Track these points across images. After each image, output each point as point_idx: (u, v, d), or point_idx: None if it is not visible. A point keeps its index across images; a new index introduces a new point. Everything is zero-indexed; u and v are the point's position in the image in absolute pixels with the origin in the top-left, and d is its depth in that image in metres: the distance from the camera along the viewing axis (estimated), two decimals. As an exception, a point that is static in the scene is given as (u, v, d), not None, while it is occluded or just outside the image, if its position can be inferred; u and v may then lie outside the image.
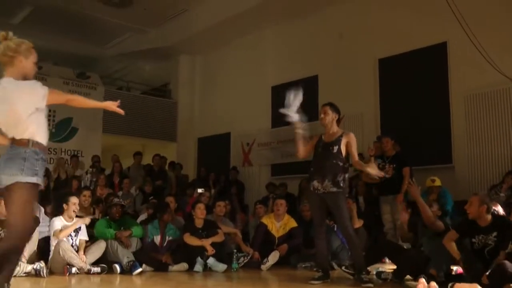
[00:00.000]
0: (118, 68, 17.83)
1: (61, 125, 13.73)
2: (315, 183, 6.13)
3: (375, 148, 8.47)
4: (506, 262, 4.98)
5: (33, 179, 3.69)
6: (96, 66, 16.78)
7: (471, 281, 5.24)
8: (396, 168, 8.54)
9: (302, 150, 6.36)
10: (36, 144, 3.81)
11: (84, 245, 7.22)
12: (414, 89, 10.48)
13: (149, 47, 15.55)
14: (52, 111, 13.62)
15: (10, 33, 3.95)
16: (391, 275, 6.19)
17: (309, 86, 12.28)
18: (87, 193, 8.60)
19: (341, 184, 6.04)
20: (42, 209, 8.09)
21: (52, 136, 13.50)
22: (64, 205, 7.20)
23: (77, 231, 7.21)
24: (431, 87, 10.27)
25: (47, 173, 11.12)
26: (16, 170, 3.65)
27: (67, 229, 7.04)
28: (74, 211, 7.21)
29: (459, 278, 5.44)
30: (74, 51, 16.20)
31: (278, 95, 13.21)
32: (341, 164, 6.08)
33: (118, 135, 14.82)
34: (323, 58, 12.21)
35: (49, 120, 13.55)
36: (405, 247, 7.24)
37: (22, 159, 3.68)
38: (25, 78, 3.95)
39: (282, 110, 6.24)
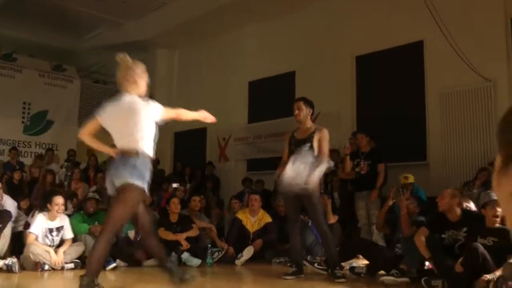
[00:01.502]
0: (95, 61, 17.65)
1: (36, 118, 13.59)
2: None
3: (350, 145, 8.53)
4: (477, 244, 5.05)
5: (140, 183, 4.18)
6: (73, 59, 16.58)
7: (440, 277, 5.31)
8: (371, 165, 8.59)
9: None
10: (147, 155, 4.30)
11: (69, 243, 7.10)
12: (391, 86, 10.55)
13: (126, 40, 15.41)
14: (27, 104, 13.47)
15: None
16: (365, 270, 6.25)
17: (286, 82, 12.34)
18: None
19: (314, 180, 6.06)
20: (15, 204, 8.00)
21: (27, 129, 13.40)
22: (48, 205, 7.09)
23: (59, 230, 7.11)
24: (407, 84, 10.35)
25: (21, 167, 11.04)
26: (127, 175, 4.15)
27: (38, 248, 6.74)
28: (57, 211, 7.09)
29: (430, 273, 5.50)
30: (51, 43, 15.97)
31: (255, 91, 13.27)
32: (312, 161, 6.08)
33: (94, 128, 14.68)
34: (301, 54, 12.23)
35: (24, 112, 13.44)
36: (379, 243, 7.32)
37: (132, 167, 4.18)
38: (142, 95, 4.55)
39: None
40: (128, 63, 4.76)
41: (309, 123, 6.35)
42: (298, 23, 12.42)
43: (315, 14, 12.06)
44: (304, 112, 6.33)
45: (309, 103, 6.41)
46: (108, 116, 4.44)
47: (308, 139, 6.15)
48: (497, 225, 5.20)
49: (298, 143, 6.21)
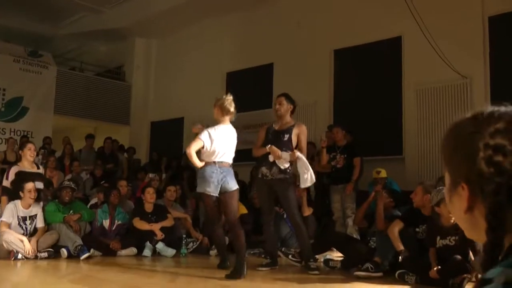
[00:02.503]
0: (72, 48, 17.47)
1: (11, 104, 13.39)
2: (264, 169, 6.18)
3: (326, 138, 8.57)
4: (458, 256, 5.10)
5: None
6: (49, 45, 16.39)
7: (412, 270, 5.38)
8: (347, 158, 8.64)
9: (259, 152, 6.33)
10: None
11: (43, 231, 7.06)
12: (368, 81, 10.63)
13: (104, 28, 15.28)
14: (2, 89, 13.28)
15: None
16: (339, 264, 6.30)
17: (264, 73, 12.35)
18: (31, 146, 8.00)
19: (288, 170, 6.10)
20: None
21: (1, 115, 13.20)
22: (21, 193, 7.03)
23: (32, 218, 7.06)
24: (384, 79, 10.43)
25: (-5, 154, 10.88)
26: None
27: (12, 237, 6.74)
28: (31, 198, 7.04)
29: (403, 266, 5.56)
30: (26, 29, 15.75)
31: (233, 82, 13.25)
32: (289, 152, 6.12)
33: (70, 116, 14.58)
34: (279, 46, 12.23)
35: (-2, 98, 13.26)
36: (354, 236, 7.38)
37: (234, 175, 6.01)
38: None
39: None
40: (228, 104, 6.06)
41: (288, 118, 6.37)
42: (277, 15, 12.42)
43: (295, 6, 12.06)
44: (284, 107, 6.35)
45: (291, 100, 6.44)
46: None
47: (288, 131, 6.18)
48: (452, 221, 5.22)
49: (276, 133, 6.24)
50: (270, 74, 12.32)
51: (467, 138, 1.03)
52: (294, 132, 6.20)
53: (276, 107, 6.41)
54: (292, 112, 6.44)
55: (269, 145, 6.10)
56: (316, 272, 5.90)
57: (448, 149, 1.08)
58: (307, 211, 7.85)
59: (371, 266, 5.67)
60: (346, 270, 6.09)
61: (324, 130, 9.67)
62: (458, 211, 1.06)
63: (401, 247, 5.63)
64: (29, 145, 7.88)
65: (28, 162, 7.75)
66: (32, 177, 7.42)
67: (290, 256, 6.63)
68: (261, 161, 6.26)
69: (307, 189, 9.02)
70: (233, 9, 13.16)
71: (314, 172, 9.42)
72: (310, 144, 8.94)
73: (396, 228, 5.75)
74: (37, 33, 16.09)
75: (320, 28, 11.48)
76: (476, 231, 1.04)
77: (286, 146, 6.13)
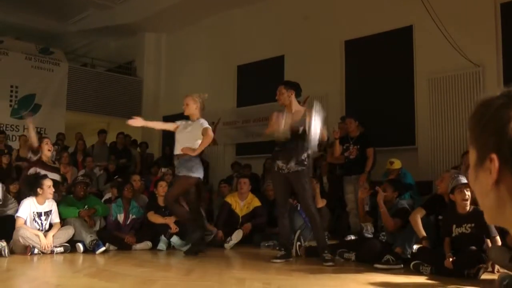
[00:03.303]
0: (82, 44, 17.53)
1: (24, 101, 13.45)
2: (280, 163, 6.16)
3: (339, 129, 8.56)
4: (473, 247, 5.08)
5: None
6: (60, 42, 16.46)
7: (427, 260, 5.35)
8: (360, 149, 8.62)
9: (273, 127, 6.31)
10: None
11: (58, 226, 7.10)
12: (380, 71, 10.58)
13: (113, 24, 15.31)
14: (14, 87, 13.36)
15: None
16: (354, 256, 6.27)
17: (275, 66, 12.33)
18: (48, 141, 8.38)
19: (305, 162, 6.09)
20: (3, 187, 7.96)
21: (14, 112, 13.28)
22: (39, 189, 7.05)
23: (48, 214, 7.10)
24: (396, 69, 10.38)
25: (9, 151, 10.95)
26: None
27: (28, 232, 6.78)
28: (50, 193, 7.09)
29: (418, 257, 5.54)
30: (37, 26, 15.83)
31: (244, 75, 13.25)
32: (305, 144, 6.10)
33: (83, 112, 14.64)
34: (290, 38, 12.21)
35: (11, 96, 13.33)
36: (368, 228, 7.31)
37: None
38: None
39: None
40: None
41: (296, 105, 6.32)
42: (287, 7, 12.39)
43: (305, -1, 12.03)
44: (284, 95, 6.30)
45: (290, 85, 6.39)
46: None
47: (300, 123, 6.14)
48: (468, 208, 5.22)
49: (290, 126, 6.18)
50: (281, 66, 12.31)
51: (497, 111, 1.04)
52: (307, 121, 6.18)
53: (276, 97, 6.38)
54: (296, 96, 6.37)
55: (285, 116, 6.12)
56: (331, 263, 5.89)
57: (477, 125, 1.08)
58: (321, 203, 7.85)
59: (392, 258, 5.64)
60: (361, 263, 6.07)
61: (336, 121, 9.64)
62: (485, 187, 1.06)
63: (423, 234, 5.61)
64: (46, 140, 8.14)
65: (46, 156, 7.87)
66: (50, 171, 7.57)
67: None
68: (277, 154, 6.24)
69: (321, 180, 9.06)
70: (243, 3, 13.14)
71: (326, 164, 9.49)
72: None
73: (418, 215, 5.73)
74: (48, 30, 16.16)
75: (331, 19, 11.44)
76: (500, 211, 1.04)
77: (301, 138, 6.13)
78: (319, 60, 11.48)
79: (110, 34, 16.34)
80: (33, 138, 8.00)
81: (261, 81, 12.37)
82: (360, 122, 8.93)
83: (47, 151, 7.97)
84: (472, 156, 1.10)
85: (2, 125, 12.67)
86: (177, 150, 6.77)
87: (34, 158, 7.93)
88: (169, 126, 7.22)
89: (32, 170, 7.63)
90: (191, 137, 6.76)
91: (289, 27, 12.27)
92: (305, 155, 6.10)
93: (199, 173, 6.75)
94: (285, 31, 12.36)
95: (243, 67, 13.32)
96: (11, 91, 13.35)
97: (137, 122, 6.77)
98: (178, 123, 7.03)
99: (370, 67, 10.78)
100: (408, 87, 10.11)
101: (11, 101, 13.34)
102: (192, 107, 7.02)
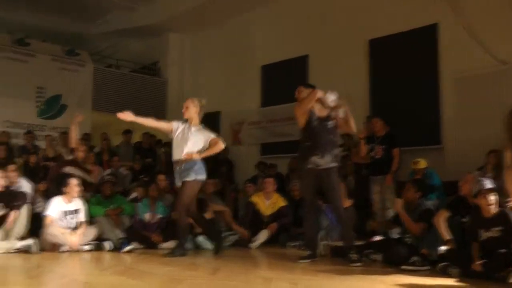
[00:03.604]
0: (107, 46, 17.66)
1: (50, 102, 13.63)
2: (315, 158, 6.11)
3: (365, 129, 8.52)
4: (502, 250, 5.00)
5: None
6: (85, 44, 16.58)
7: (455, 262, 5.28)
8: (386, 149, 8.58)
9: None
10: None
11: (85, 225, 7.22)
12: (405, 70, 10.50)
13: (137, 25, 15.40)
14: (41, 88, 13.53)
15: None
16: (381, 257, 6.24)
17: (300, 65, 12.31)
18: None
19: (338, 159, 6.14)
20: (32, 186, 8.09)
21: (41, 113, 13.47)
22: (66, 188, 7.18)
23: (75, 212, 7.20)
24: (421, 68, 10.29)
25: (36, 151, 11.10)
26: None
27: (56, 230, 6.96)
28: (76, 193, 7.24)
29: (446, 259, 5.49)
30: (63, 28, 15.98)
31: (268, 74, 13.26)
32: (336, 139, 6.15)
33: (108, 112, 14.73)
34: (314, 38, 12.17)
35: (38, 96, 13.51)
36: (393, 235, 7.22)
37: None
38: None
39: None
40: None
41: (316, 106, 6.34)
42: (311, 6, 12.35)
43: (328, -2, 12.00)
44: (303, 93, 6.33)
45: (307, 86, 6.52)
46: None
47: (329, 117, 6.17)
48: (493, 211, 5.15)
49: (321, 121, 6.19)
50: (305, 66, 12.28)
51: None
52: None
53: (295, 97, 6.43)
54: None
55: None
56: (358, 264, 5.87)
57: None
58: (347, 203, 7.82)
59: (419, 259, 5.60)
60: (388, 264, 6.03)
61: (361, 121, 9.58)
62: None
63: (448, 237, 5.55)
64: (74, 182, 8.20)
65: (80, 157, 8.22)
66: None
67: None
68: (311, 149, 6.18)
69: (346, 180, 9.03)
70: (266, 1, 13.14)
71: (352, 164, 9.44)
72: (348, 135, 8.90)
73: (442, 218, 5.68)
74: (73, 32, 16.30)
75: (355, 18, 11.38)
76: None
77: (332, 133, 6.15)
78: (344, 59, 11.43)
79: (134, 35, 16.43)
80: (74, 138, 8.10)
81: (285, 81, 12.35)
82: (385, 122, 8.88)
83: (82, 152, 8.16)
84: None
85: (29, 125, 12.85)
86: (178, 155, 6.80)
87: (68, 157, 8.04)
88: (163, 125, 7.09)
89: (67, 169, 7.77)
90: (195, 144, 6.89)
91: (313, 26, 12.24)
92: (338, 151, 6.14)
93: (204, 175, 6.88)
94: (309, 30, 12.33)
95: (267, 67, 13.31)
96: (38, 92, 13.53)
97: (126, 116, 6.72)
98: (175, 124, 7.00)
99: (395, 65, 10.69)
100: (433, 86, 10.01)
101: (37, 102, 13.51)
102: (192, 111, 7.05)
